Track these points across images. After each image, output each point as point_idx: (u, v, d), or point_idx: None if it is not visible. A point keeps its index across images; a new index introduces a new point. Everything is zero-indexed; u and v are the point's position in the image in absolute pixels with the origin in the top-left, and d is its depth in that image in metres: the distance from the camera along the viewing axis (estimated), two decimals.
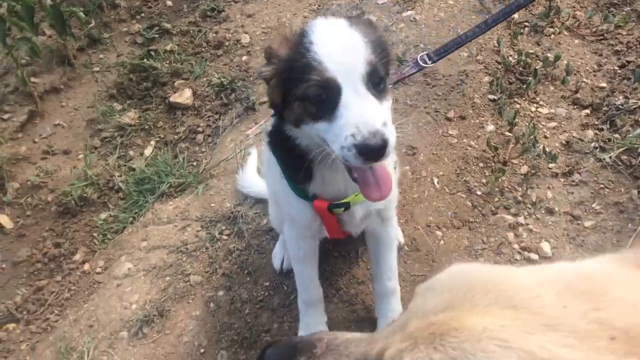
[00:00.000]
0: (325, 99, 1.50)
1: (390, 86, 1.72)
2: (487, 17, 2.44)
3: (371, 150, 1.46)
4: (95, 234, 3.25)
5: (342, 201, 1.85)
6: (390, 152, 1.49)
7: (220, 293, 2.66)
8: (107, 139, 3.80)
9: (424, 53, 2.32)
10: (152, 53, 4.28)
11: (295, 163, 1.77)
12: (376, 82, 1.54)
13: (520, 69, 3.37)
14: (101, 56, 4.42)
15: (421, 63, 2.30)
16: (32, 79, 4.11)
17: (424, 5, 3.87)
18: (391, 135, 1.48)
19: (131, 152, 3.68)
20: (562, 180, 2.86)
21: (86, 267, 3.08)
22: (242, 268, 2.73)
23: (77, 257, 3.17)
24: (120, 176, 3.52)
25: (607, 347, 0.68)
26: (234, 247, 2.82)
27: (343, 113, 1.48)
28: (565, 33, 3.61)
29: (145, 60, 4.18)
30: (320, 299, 2.35)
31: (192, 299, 2.67)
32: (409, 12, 3.84)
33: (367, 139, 1.44)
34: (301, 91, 1.50)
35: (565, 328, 0.71)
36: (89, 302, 2.83)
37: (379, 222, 2.12)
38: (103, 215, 3.34)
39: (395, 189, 2.10)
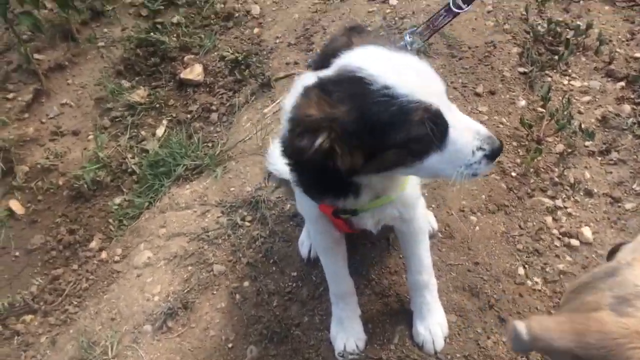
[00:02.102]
0: (434, 133, 1.41)
1: (423, 44, 1.66)
2: None
3: (499, 149, 1.51)
4: (110, 220, 3.14)
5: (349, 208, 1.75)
6: None
7: (246, 284, 2.56)
8: (117, 119, 3.67)
9: None
10: (159, 26, 4.09)
11: (318, 187, 1.63)
12: None
13: (550, 38, 3.19)
14: (105, 30, 4.24)
15: (454, 9, 2.05)
16: (36, 56, 3.95)
17: None
18: None
19: (143, 132, 3.55)
20: (600, 159, 2.73)
21: (103, 255, 2.98)
22: (267, 257, 2.62)
23: (93, 244, 3.07)
24: (133, 158, 3.40)
25: None
26: (257, 234, 2.71)
27: (456, 136, 1.45)
28: None
29: (151, 33, 4.00)
30: (351, 292, 2.25)
31: (217, 290, 2.58)
32: None
33: (494, 142, 1.50)
34: (402, 136, 1.38)
35: None
36: (109, 293, 2.74)
37: (398, 221, 2.00)
38: (117, 200, 3.23)
39: (416, 187, 1.98)
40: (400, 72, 1.39)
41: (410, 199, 1.92)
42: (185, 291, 2.60)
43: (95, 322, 2.62)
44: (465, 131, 1.47)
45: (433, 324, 2.19)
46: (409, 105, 1.36)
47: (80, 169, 3.38)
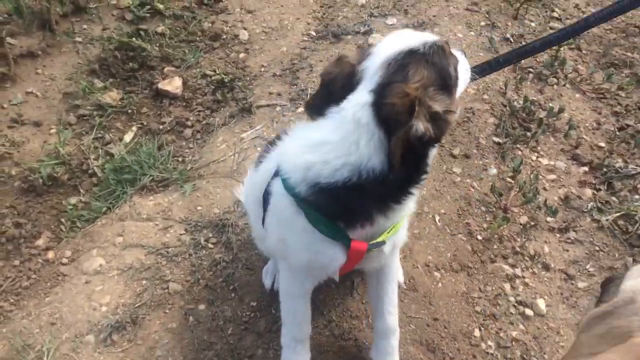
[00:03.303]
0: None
1: None
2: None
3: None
4: (62, 220, 2.99)
5: (379, 240, 1.75)
6: None
7: (202, 307, 2.48)
8: (84, 117, 3.54)
9: None
10: (142, 33, 4.03)
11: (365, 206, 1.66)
12: None
13: (524, 115, 3.35)
14: (85, 26, 4.13)
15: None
16: (8, 39, 3.78)
17: (433, 33, 3.79)
18: None
19: (108, 136, 3.43)
20: (558, 235, 2.85)
21: (50, 255, 2.82)
22: (227, 282, 2.56)
23: (40, 242, 2.91)
24: (97, 159, 3.27)
25: None
26: (220, 257, 2.65)
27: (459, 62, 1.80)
28: (568, 86, 3.63)
29: (133, 39, 3.93)
30: (309, 335, 2.18)
31: (170, 309, 2.48)
32: None
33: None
34: (451, 67, 1.66)
35: None
36: (52, 296, 2.59)
37: (383, 260, 2.00)
38: (73, 200, 3.09)
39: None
40: (415, 33, 1.65)
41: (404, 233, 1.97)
42: (136, 305, 2.49)
43: (33, 324, 2.46)
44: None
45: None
46: (439, 46, 1.62)
47: (37, 161, 3.22)
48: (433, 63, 1.56)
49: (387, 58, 1.57)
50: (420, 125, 1.45)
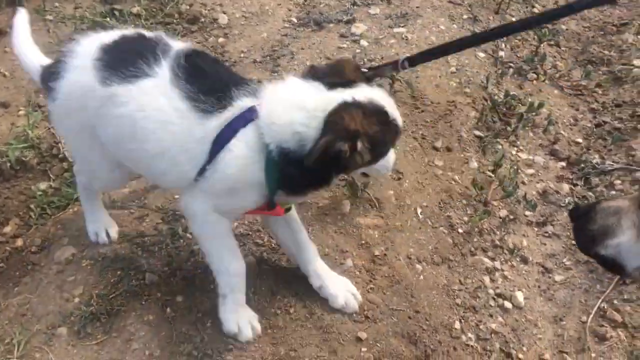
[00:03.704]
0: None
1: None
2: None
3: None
4: (32, 206, 2.86)
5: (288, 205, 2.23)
6: None
7: (179, 299, 2.42)
8: None
9: (405, 56, 2.27)
10: (116, 13, 3.91)
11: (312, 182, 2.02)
12: None
13: (505, 109, 3.37)
14: (56, 4, 4.00)
15: (400, 68, 2.31)
16: None
17: (416, 25, 3.79)
18: None
19: None
20: (536, 229, 2.88)
21: (18, 242, 2.70)
22: (206, 274, 2.48)
23: (8, 229, 2.78)
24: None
25: None
26: (198, 248, 2.57)
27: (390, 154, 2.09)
28: (547, 82, 3.66)
29: (108, 19, 3.81)
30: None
31: (146, 300, 2.40)
32: (400, 29, 3.74)
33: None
34: (387, 149, 2.03)
35: None
36: (21, 286, 2.49)
37: None
38: (43, 186, 2.96)
39: None
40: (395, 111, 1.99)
41: None
42: (111, 296, 2.40)
43: (2, 315, 2.36)
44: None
45: (344, 288, 2.40)
46: (399, 131, 2.02)
47: (5, 144, 3.09)
48: (384, 130, 1.92)
49: (374, 99, 1.92)
50: (345, 146, 1.79)
